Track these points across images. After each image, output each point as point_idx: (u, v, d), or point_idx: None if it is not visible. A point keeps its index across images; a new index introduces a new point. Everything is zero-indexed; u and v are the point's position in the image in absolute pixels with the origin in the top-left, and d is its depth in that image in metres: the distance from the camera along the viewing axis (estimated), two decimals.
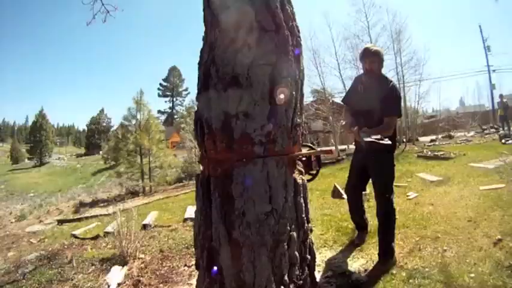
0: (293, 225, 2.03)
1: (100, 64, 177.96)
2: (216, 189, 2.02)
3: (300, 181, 2.08)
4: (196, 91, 2.25)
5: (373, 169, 3.23)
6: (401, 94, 16.69)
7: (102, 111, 72.48)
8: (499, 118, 17.32)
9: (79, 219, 10.14)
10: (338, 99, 20.89)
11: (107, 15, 4.40)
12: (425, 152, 10.66)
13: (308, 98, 23.48)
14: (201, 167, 2.25)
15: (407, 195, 5.29)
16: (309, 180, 2.39)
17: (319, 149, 2.54)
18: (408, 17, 25.06)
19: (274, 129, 1.96)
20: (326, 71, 19.09)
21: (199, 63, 2.23)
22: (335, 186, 6.19)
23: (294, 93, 2.05)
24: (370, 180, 3.36)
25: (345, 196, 5.56)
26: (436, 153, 10.08)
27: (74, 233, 6.39)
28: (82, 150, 71.51)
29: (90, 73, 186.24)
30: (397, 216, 3.26)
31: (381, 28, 17.20)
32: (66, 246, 5.06)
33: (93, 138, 67.03)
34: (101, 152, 51.55)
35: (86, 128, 76.52)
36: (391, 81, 3.22)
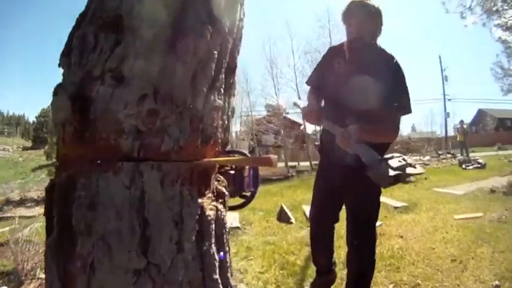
0: None
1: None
2: (56, 209, 1.04)
3: (210, 213, 1.09)
4: None
5: (354, 195, 2.12)
6: None
7: None
8: (459, 144, 17.46)
9: None
10: (291, 115, 20.49)
11: None
12: None
13: (261, 112, 23.07)
14: None
15: None
16: (235, 208, 1.47)
17: (249, 156, 1.51)
18: None
19: (166, 107, 1.01)
20: (282, 82, 18.71)
21: None
22: (282, 208, 5.22)
23: (215, 52, 1.12)
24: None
25: (293, 220, 4.66)
26: None
27: None
28: (30, 143, 67.02)
29: (46, 60, 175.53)
30: None
31: None
32: None
33: (41, 131, 62.86)
34: (46, 146, 48.06)
35: (35, 120, 71.99)
36: (393, 58, 1.95)
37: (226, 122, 1.23)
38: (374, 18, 1.95)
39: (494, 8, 9.96)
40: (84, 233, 0.95)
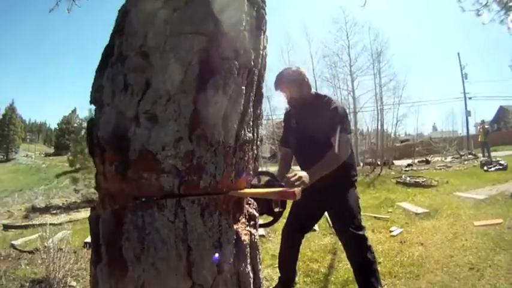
0: None
1: (79, 57, 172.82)
2: (104, 241, 1.16)
3: (245, 237, 1.21)
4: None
5: (337, 204, 2.45)
6: (379, 117, 16.75)
7: (74, 111, 69.47)
8: (481, 145, 16.92)
9: (25, 226, 9.17)
10: None
11: (72, 3, 3.55)
12: (404, 178, 9.88)
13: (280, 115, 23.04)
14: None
15: (391, 231, 4.46)
16: (265, 225, 1.64)
17: (276, 189, 1.60)
18: (390, 38, 25.05)
19: (201, 147, 1.11)
20: None
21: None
22: None
23: (243, 87, 1.22)
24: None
25: (316, 227, 4.73)
26: (416, 180, 9.36)
27: (13, 242, 5.35)
28: (52, 150, 68.61)
29: (67, 67, 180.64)
30: (380, 260, 2.61)
31: (362, 48, 17.13)
32: (2, 258, 4.16)
33: (63, 138, 64.32)
34: (69, 153, 49.24)
35: (57, 127, 73.60)
36: (331, 101, 2.48)
37: (255, 151, 1.33)
38: (295, 82, 2.47)
39: (510, 4, 9.92)
40: (134, 261, 1.07)
